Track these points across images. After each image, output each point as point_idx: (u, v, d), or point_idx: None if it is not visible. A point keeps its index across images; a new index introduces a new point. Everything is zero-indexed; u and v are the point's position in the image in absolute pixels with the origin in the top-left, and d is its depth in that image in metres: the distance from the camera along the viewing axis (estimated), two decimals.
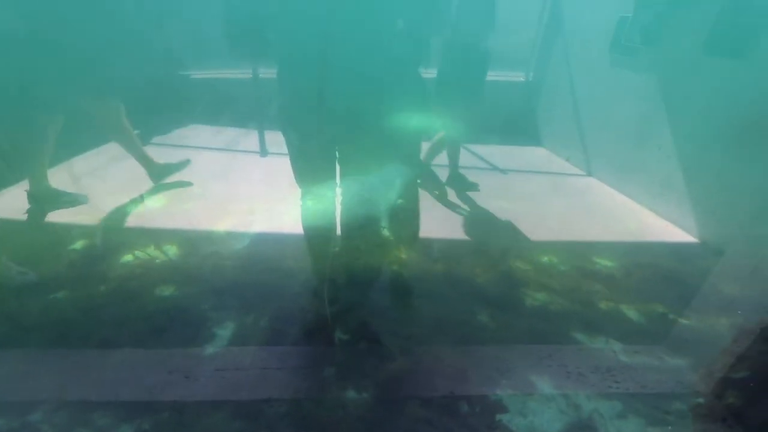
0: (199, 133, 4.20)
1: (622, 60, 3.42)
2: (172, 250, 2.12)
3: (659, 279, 2.14)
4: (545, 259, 2.27)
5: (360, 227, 1.77)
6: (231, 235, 2.31)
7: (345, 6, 1.27)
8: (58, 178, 2.84)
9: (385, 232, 2.03)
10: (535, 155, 4.30)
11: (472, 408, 1.33)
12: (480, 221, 2.71)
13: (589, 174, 3.75)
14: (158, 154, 3.47)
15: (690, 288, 2.07)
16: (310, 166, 1.60)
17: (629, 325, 1.79)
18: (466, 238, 2.47)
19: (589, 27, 3.81)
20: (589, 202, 3.15)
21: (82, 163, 3.17)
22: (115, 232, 2.27)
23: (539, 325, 1.74)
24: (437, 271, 2.12)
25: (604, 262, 2.25)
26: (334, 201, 1.72)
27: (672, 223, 2.80)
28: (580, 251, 2.36)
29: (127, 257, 2.04)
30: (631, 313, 1.86)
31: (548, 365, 1.53)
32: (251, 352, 1.51)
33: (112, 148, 3.52)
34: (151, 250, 2.11)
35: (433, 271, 2.12)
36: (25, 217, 2.32)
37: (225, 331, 1.60)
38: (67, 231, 2.22)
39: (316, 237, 1.80)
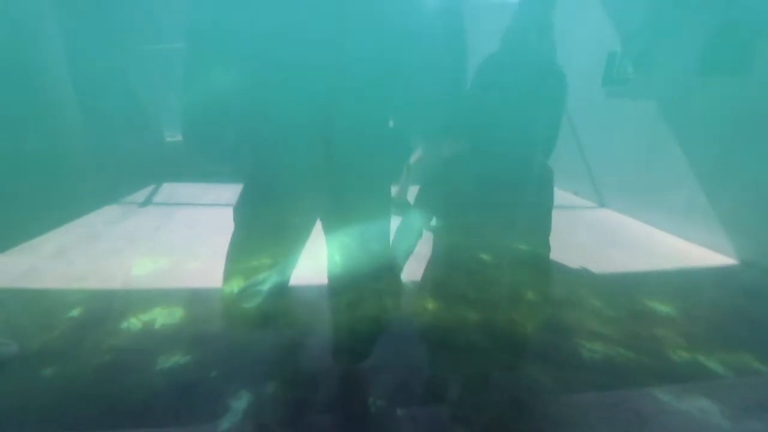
0: (183, 191, 4.08)
1: (617, 91, 3.47)
2: (176, 314, 1.90)
3: (726, 317, 1.92)
4: (587, 301, 2.06)
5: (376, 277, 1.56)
6: (240, 294, 2.10)
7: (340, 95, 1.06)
8: (55, 243, 2.67)
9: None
10: None
11: None
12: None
13: (602, 205, 3.66)
14: (154, 214, 3.36)
15: (762, 325, 1.85)
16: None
17: (719, 379, 1.52)
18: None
19: (578, 63, 3.92)
20: (611, 233, 3.01)
21: (79, 228, 3.01)
22: (114, 297, 2.06)
23: (610, 381, 1.49)
24: (472, 320, 1.91)
25: (655, 303, 2.04)
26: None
27: (705, 247, 2.65)
28: (621, 289, 2.16)
29: (126, 324, 1.81)
30: (712, 364, 1.60)
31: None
32: (271, 429, 1.26)
33: (109, 211, 3.40)
34: (153, 315, 1.89)
35: (468, 320, 1.90)
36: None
37: (239, 403, 1.35)
38: (66, 297, 2.01)
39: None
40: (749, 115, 2.38)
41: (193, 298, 2.05)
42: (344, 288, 1.39)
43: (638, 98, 3.23)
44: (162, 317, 1.88)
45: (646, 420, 1.29)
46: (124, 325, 1.81)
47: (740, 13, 2.43)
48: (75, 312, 1.91)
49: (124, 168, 3.75)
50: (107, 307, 1.95)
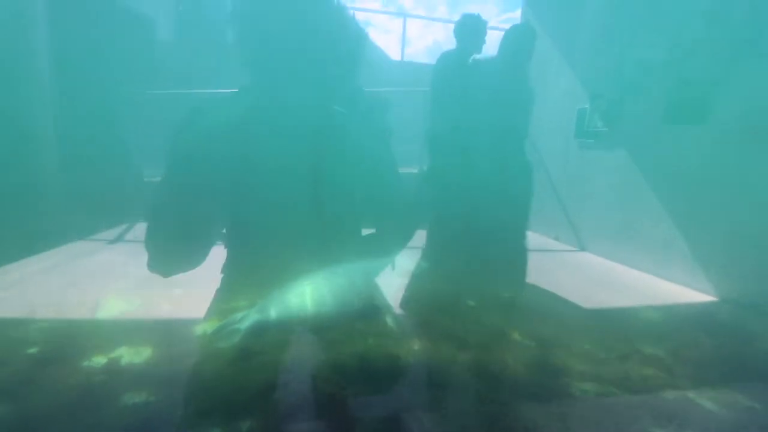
0: None
1: (589, 143, 3.71)
2: (145, 351, 1.72)
3: (711, 355, 1.90)
4: (575, 343, 2.01)
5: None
6: (217, 331, 1.94)
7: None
8: (19, 274, 2.45)
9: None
10: None
11: None
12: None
13: (583, 249, 3.74)
14: (123, 250, 3.18)
15: (747, 362, 1.85)
16: None
17: (713, 417, 1.47)
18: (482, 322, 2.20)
19: (550, 119, 4.20)
20: (592, 276, 3.03)
21: (41, 261, 2.79)
22: (78, 333, 1.86)
23: (605, 421, 1.41)
24: (462, 360, 1.81)
25: (642, 344, 1.99)
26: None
27: (685, 286, 2.70)
28: (608, 331, 2.12)
29: (89, 362, 1.61)
30: (706, 402, 1.55)
31: None
32: None
33: (75, 247, 3.19)
34: (119, 352, 1.69)
35: (457, 360, 1.81)
36: None
37: None
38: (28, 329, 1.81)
39: None
40: (711, 159, 2.57)
41: (163, 334, 1.87)
42: (326, 326, 1.34)
43: (609, 149, 3.45)
44: (126, 354, 1.69)
45: None
46: (85, 363, 1.61)
47: (694, 73, 2.71)
48: (34, 350, 1.70)
49: (95, 205, 3.58)
50: (65, 342, 1.75)
